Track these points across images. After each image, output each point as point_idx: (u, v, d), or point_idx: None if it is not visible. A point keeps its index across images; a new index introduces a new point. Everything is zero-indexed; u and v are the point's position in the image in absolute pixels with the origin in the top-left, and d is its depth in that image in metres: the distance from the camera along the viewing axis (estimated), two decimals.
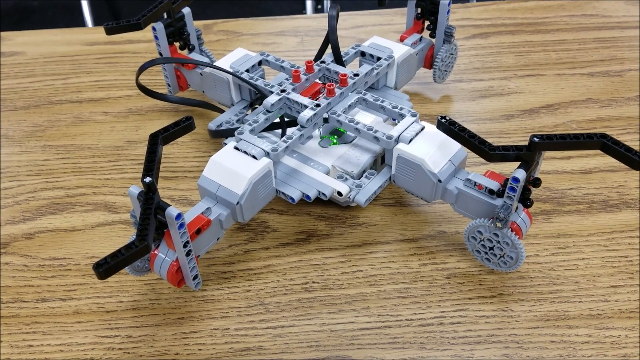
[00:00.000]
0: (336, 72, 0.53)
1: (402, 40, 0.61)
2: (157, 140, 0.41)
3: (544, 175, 0.55)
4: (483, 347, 0.42)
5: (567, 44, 0.73)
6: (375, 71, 0.54)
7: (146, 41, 0.75)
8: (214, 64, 0.57)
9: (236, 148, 0.46)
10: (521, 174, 0.40)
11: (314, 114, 0.48)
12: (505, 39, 0.74)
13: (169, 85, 0.61)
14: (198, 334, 0.43)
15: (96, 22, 1.55)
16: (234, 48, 0.73)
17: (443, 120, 0.43)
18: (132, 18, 0.55)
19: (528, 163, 0.41)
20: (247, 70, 0.56)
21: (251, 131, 0.48)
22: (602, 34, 0.75)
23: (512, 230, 0.43)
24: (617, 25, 0.77)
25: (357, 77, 0.52)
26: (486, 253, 0.46)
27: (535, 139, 0.40)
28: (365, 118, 0.53)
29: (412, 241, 0.50)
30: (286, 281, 0.47)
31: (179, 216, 0.37)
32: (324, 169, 0.49)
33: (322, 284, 0.47)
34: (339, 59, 0.55)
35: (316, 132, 0.53)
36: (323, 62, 0.54)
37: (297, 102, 0.49)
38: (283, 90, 0.50)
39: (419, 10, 0.62)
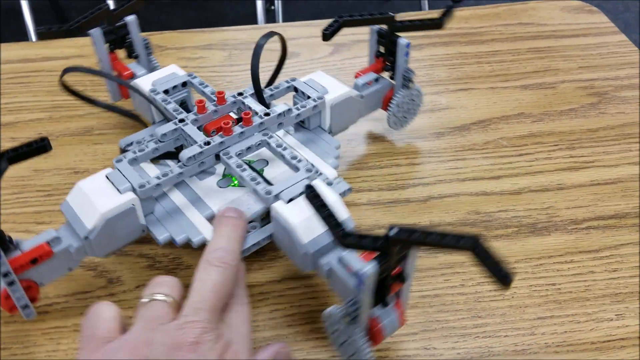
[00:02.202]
0: (249, 108, 0.49)
1: (356, 77, 0.56)
2: None
3: (473, 197, 0.54)
4: None
5: (501, 54, 0.72)
6: (293, 113, 0.49)
7: (63, 58, 0.71)
8: (137, 79, 0.54)
9: (107, 177, 0.43)
10: (370, 270, 0.33)
11: (199, 153, 0.44)
12: (439, 50, 0.73)
13: (109, 92, 0.58)
14: None
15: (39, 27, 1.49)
16: (161, 63, 0.70)
17: (308, 191, 0.36)
18: (66, 24, 0.52)
19: (387, 255, 0.34)
20: (166, 91, 0.52)
21: (132, 160, 0.44)
22: (537, 43, 0.74)
23: (366, 333, 0.37)
24: (553, 34, 0.75)
25: (266, 117, 0.47)
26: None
27: (392, 233, 0.31)
28: (305, 154, 0.50)
29: None
30: None
31: None
32: (208, 213, 0.45)
33: None
34: (258, 93, 0.50)
35: (220, 169, 0.49)
36: (241, 94, 0.49)
37: (189, 136, 0.45)
38: (182, 120, 0.46)
39: (381, 48, 0.56)
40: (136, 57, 0.58)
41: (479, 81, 0.68)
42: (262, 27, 0.77)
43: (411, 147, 0.59)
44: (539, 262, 0.48)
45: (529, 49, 0.73)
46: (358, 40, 0.74)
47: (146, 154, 0.45)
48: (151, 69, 0.59)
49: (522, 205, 0.53)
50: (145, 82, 0.53)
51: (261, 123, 0.46)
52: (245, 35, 0.75)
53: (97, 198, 0.41)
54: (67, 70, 0.52)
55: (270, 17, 1.71)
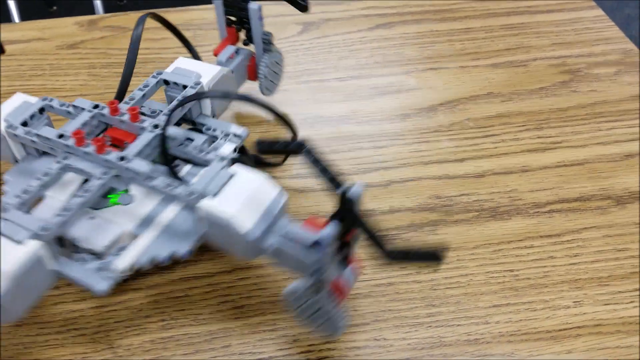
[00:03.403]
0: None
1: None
2: None
3: (436, 181, 0.52)
4: None
5: (473, 32, 0.70)
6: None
7: (25, 41, 0.69)
8: None
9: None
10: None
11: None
12: (410, 28, 0.70)
13: None
14: None
15: (23, 12, 1.45)
16: (120, 45, 0.68)
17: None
18: None
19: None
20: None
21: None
22: (510, 20, 0.72)
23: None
24: (527, 10, 0.73)
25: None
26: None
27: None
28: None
29: None
30: (141, 319, 0.42)
31: None
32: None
33: (182, 319, 0.42)
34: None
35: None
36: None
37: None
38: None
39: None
40: (246, 44, 0.55)
41: (449, 60, 0.66)
42: None
43: (376, 129, 0.58)
44: (498, 248, 0.47)
45: (502, 26, 0.71)
46: (328, 19, 0.72)
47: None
48: (258, 62, 0.55)
49: (485, 188, 0.51)
50: None
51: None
52: (211, 15, 0.73)
53: None
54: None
55: None
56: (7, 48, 0.69)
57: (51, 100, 0.46)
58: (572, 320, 0.42)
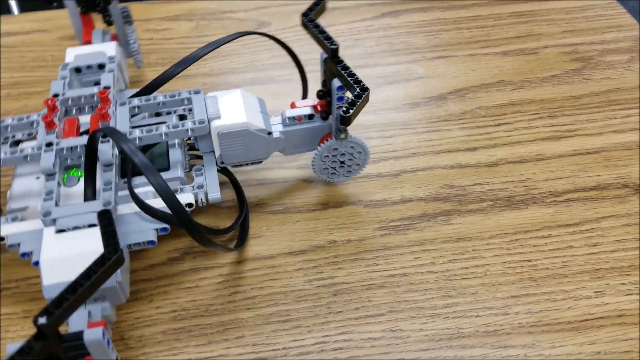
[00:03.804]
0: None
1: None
2: None
3: (447, 170, 0.51)
4: None
5: (481, 19, 0.69)
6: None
7: (24, 33, 0.68)
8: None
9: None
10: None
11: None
12: (417, 17, 0.69)
13: None
14: None
15: (23, 8, 1.43)
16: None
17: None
18: None
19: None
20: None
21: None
22: (519, 7, 0.70)
23: None
24: None
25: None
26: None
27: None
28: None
29: (299, 254, 0.45)
30: (152, 310, 0.41)
31: None
32: None
33: (193, 310, 0.41)
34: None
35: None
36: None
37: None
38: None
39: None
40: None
41: (458, 48, 0.65)
42: None
43: (384, 119, 0.56)
44: (515, 238, 0.46)
45: (510, 14, 0.69)
46: (333, 8, 0.71)
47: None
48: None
49: (499, 177, 0.50)
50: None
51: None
52: (214, 5, 0.72)
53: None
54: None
55: None
56: (8, 40, 0.67)
57: (112, 62, 0.48)
58: (594, 310, 0.41)
